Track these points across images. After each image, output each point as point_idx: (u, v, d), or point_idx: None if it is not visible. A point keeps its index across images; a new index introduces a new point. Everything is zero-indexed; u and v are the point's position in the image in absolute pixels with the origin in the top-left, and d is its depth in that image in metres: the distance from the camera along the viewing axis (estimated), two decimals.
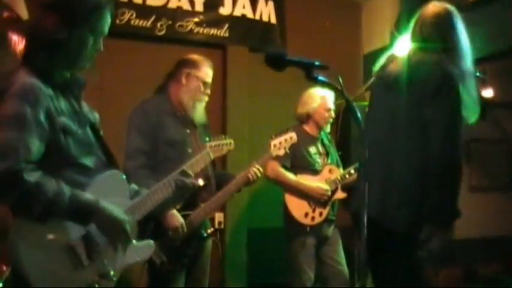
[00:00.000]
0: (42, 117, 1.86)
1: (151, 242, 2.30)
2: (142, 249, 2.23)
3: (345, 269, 4.14)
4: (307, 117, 4.21)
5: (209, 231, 3.30)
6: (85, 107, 2.15)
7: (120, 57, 4.44)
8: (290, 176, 4.06)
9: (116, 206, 2.04)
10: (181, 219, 3.05)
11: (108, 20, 2.07)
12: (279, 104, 5.08)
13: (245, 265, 4.91)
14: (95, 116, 2.21)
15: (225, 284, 4.62)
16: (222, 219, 3.77)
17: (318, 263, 4.09)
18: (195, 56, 3.37)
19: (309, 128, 4.22)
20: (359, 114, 2.00)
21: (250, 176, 3.29)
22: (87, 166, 2.03)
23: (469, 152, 6.15)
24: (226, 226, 4.71)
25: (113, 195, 2.09)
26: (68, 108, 2.01)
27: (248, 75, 5.08)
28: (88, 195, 1.94)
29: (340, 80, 2.18)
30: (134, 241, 2.15)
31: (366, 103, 5.00)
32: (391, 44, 5.21)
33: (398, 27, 5.20)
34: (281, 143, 3.38)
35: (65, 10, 1.94)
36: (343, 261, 4.16)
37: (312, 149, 4.16)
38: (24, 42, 1.98)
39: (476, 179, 6.30)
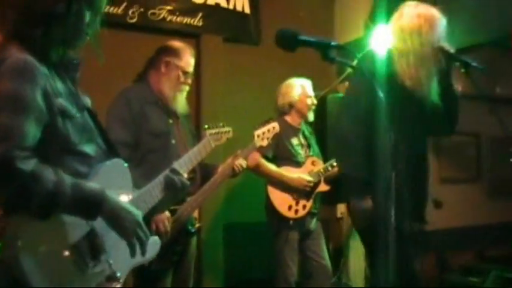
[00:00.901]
0: (39, 98, 1.65)
1: (157, 238, 2.11)
2: (148, 246, 1.96)
3: (328, 263, 4.09)
4: (290, 107, 4.14)
5: (196, 226, 3.15)
6: (79, 90, 1.95)
7: (89, 45, 4.20)
8: (271, 166, 3.97)
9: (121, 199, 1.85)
10: (166, 214, 2.88)
11: None
12: (255, 95, 5.01)
13: (222, 261, 4.78)
14: (88, 101, 2.01)
15: (202, 282, 4.47)
16: (197, 215, 3.62)
17: (301, 257, 4.01)
18: (175, 43, 3.19)
19: (290, 119, 4.16)
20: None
21: (235, 168, 3.16)
22: (88, 154, 1.83)
23: (439, 144, 6.18)
24: (202, 221, 4.56)
25: (116, 186, 1.89)
26: (65, 90, 1.81)
27: (223, 66, 4.95)
28: (92, 184, 1.73)
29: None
30: None
31: (341, 95, 4.96)
32: (365, 35, 5.17)
33: (373, 18, 5.16)
34: (264, 134, 3.32)
35: None
36: (326, 255, 4.10)
37: (294, 141, 4.10)
38: (12, 14, 1.75)
39: (445, 170, 6.34)
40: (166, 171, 2.52)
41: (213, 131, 3.03)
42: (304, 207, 3.98)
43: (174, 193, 2.52)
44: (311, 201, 4.01)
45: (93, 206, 1.70)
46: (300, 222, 3.96)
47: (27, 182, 1.55)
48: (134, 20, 4.53)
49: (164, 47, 3.17)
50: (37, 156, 1.62)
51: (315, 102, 4.21)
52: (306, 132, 4.25)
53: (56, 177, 1.62)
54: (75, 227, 1.72)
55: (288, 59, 5.12)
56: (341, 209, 5.28)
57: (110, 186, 1.80)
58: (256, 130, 3.32)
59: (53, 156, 1.71)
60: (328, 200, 4.38)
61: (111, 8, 4.40)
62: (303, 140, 4.18)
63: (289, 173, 3.97)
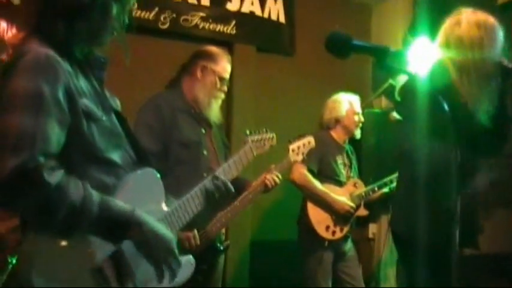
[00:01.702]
0: (61, 97, 1.46)
1: (191, 258, 1.89)
2: (181, 268, 1.73)
3: (362, 284, 3.95)
4: (335, 123, 4.02)
5: (225, 244, 2.96)
6: (106, 91, 1.77)
7: (119, 51, 4.08)
8: (318, 184, 3.82)
9: (152, 216, 1.63)
10: (193, 230, 2.67)
11: None
12: (287, 108, 4.85)
13: (247, 280, 4.59)
14: (117, 103, 1.82)
15: None
16: (224, 231, 3.44)
17: (334, 279, 3.84)
18: (212, 48, 3.04)
19: (336, 135, 4.03)
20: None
21: (268, 183, 2.97)
22: (115, 162, 1.63)
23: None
24: (228, 238, 4.38)
25: (147, 199, 1.70)
26: (90, 90, 1.62)
27: (255, 76, 4.79)
28: (122, 203, 1.53)
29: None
30: None
31: (376, 110, 4.76)
32: (404, 49, 4.97)
33: (412, 31, 4.96)
34: (299, 148, 3.15)
35: None
36: (360, 277, 3.95)
37: (339, 159, 3.98)
38: (34, 7, 1.58)
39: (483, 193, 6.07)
40: (208, 179, 2.38)
41: (256, 137, 2.83)
42: (341, 230, 3.85)
43: (217, 201, 2.37)
44: (349, 224, 3.89)
45: (121, 228, 1.50)
46: (335, 244, 3.82)
47: (52, 196, 1.36)
48: (166, 26, 4.40)
49: (200, 51, 3.02)
50: (62, 166, 1.44)
51: (362, 119, 4.08)
52: (349, 152, 4.13)
53: (84, 192, 1.43)
54: (100, 246, 1.51)
55: (322, 72, 5.00)
56: (372, 229, 5.05)
57: (139, 199, 1.61)
58: (291, 144, 3.15)
59: (76, 165, 1.52)
60: (358, 220, 4.22)
61: (143, 13, 4.28)
62: (346, 160, 4.06)
63: (334, 193, 3.84)
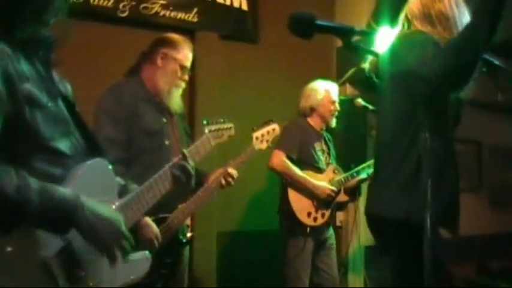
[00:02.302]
0: None
1: (148, 254, 1.80)
2: (137, 264, 1.68)
3: (337, 275, 3.98)
4: (311, 111, 4.02)
5: (188, 235, 2.88)
6: (55, 75, 1.64)
7: (77, 39, 3.93)
8: (298, 170, 3.79)
9: (105, 205, 1.54)
10: (155, 230, 2.54)
11: None
12: (252, 95, 4.79)
13: (215, 272, 4.50)
14: (67, 87, 1.71)
15: None
16: (189, 223, 3.36)
17: (312, 267, 3.83)
18: (174, 36, 2.95)
19: (313, 122, 4.02)
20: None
21: (224, 181, 2.93)
22: (62, 152, 1.51)
23: None
24: (194, 230, 4.30)
25: (98, 192, 1.59)
26: (33, 74, 1.50)
27: (219, 64, 4.68)
28: (64, 190, 1.42)
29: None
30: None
31: (341, 97, 4.73)
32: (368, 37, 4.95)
33: (376, 19, 4.94)
34: (263, 136, 3.12)
35: None
36: (335, 265, 3.98)
37: (318, 146, 3.96)
38: None
39: None
40: (175, 161, 2.33)
41: (213, 127, 2.76)
42: (323, 215, 3.85)
43: (187, 182, 2.32)
44: (330, 210, 3.89)
45: (64, 217, 1.39)
46: (317, 231, 3.82)
47: None
48: (125, 14, 4.26)
49: (161, 39, 2.93)
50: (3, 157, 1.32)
51: (338, 108, 4.06)
52: (326, 138, 4.13)
53: (19, 181, 1.31)
54: (46, 241, 1.39)
55: (286, 59, 4.94)
56: (339, 217, 5.04)
57: (90, 191, 1.51)
58: (255, 132, 3.12)
59: (19, 156, 1.40)
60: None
61: (101, 1, 4.14)
62: (324, 146, 4.05)
63: (315, 179, 3.82)
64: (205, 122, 2.77)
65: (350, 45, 1.65)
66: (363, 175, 3.96)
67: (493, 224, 6.34)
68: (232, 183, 2.95)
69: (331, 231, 3.97)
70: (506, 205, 6.63)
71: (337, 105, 4.04)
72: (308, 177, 3.80)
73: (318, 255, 3.86)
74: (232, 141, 2.96)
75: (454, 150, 2.40)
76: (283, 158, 3.76)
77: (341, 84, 4.84)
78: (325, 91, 4.00)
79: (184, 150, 2.42)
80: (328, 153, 4.07)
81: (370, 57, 3.47)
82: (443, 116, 2.28)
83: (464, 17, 2.38)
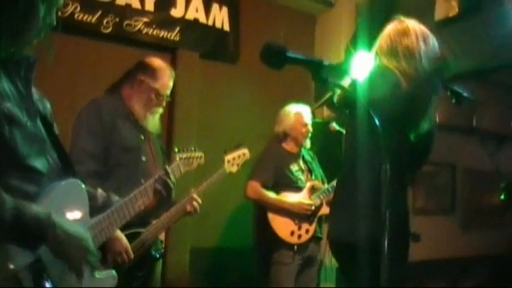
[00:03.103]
0: None
1: (114, 272, 1.86)
2: (103, 281, 1.74)
3: None
4: (285, 135, 4.09)
5: (161, 251, 2.93)
6: (34, 93, 1.69)
7: (60, 54, 3.98)
8: (271, 194, 3.89)
9: (75, 224, 1.60)
10: (125, 244, 2.52)
11: None
12: (230, 115, 4.86)
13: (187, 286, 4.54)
14: (46, 106, 1.75)
15: None
16: (163, 238, 3.42)
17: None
18: (154, 62, 2.95)
19: (288, 146, 4.10)
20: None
21: (190, 208, 2.93)
22: (38, 169, 1.56)
23: (414, 175, 6.09)
24: (168, 245, 4.35)
25: (71, 210, 1.64)
26: (14, 93, 1.55)
27: (199, 83, 4.78)
28: (37, 208, 1.47)
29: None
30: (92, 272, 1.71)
31: (318, 120, 4.84)
32: (346, 61, 5.07)
33: (354, 43, 5.06)
34: (234, 159, 3.22)
35: None
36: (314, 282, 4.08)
37: (294, 167, 4.03)
38: None
39: (420, 201, 6.25)
40: (157, 177, 2.44)
41: (184, 155, 2.84)
42: (307, 231, 3.91)
43: (165, 198, 2.42)
44: (314, 225, 3.95)
45: (35, 234, 1.45)
46: (304, 248, 3.89)
47: None
48: (109, 30, 4.34)
49: (141, 64, 2.94)
50: None
51: (310, 130, 4.13)
52: (307, 157, 4.19)
53: None
54: (17, 254, 1.44)
55: (265, 80, 5.03)
56: None
57: (62, 210, 1.57)
58: (227, 155, 3.21)
59: None
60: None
61: (85, 16, 4.21)
62: (303, 165, 4.12)
63: (293, 198, 3.90)
64: (176, 150, 2.84)
65: (318, 77, 1.73)
66: None
67: (465, 247, 6.45)
68: (198, 209, 2.96)
69: (318, 248, 4.03)
70: (478, 228, 6.75)
71: (309, 127, 4.11)
72: (283, 198, 3.88)
73: (304, 273, 3.94)
74: (209, 158, 3.05)
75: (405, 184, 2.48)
76: (255, 186, 3.87)
77: (318, 107, 4.96)
78: (296, 115, 4.08)
79: (167, 167, 2.53)
80: (310, 171, 4.13)
81: (337, 90, 3.56)
82: (400, 150, 2.34)
83: (433, 52, 2.48)
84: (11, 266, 1.42)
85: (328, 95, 4.80)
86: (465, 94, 2.54)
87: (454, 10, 4.34)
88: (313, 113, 5.04)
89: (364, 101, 2.03)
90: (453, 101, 2.51)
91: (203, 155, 2.96)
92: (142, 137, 2.90)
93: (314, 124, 4.65)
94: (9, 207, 1.39)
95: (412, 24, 2.51)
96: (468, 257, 6.33)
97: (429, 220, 6.17)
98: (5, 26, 1.51)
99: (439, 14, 4.42)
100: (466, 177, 6.94)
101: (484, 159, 6.52)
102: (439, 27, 4.27)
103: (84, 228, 1.68)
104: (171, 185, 2.47)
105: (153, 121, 2.94)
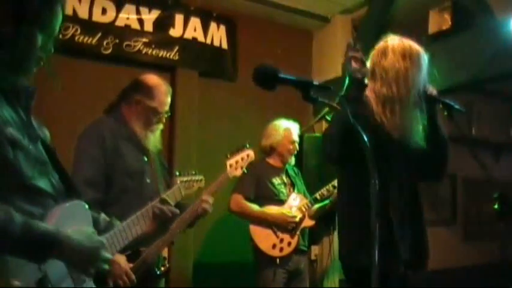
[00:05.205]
0: None
1: None
2: None
3: None
4: (271, 150, 4.10)
5: (163, 268, 2.95)
6: (34, 122, 1.74)
7: (61, 75, 4.03)
8: (253, 206, 3.91)
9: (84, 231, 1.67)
10: (124, 267, 2.56)
11: (59, 18, 1.70)
12: (229, 132, 4.90)
13: None
14: (45, 133, 1.80)
15: None
16: (166, 255, 3.45)
17: None
18: (150, 80, 2.92)
19: (272, 161, 4.12)
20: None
21: (201, 209, 2.93)
22: (42, 190, 1.61)
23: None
24: (171, 261, 4.38)
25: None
26: (15, 119, 1.61)
27: (198, 100, 4.86)
28: (46, 225, 1.53)
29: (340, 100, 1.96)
30: None
31: (317, 135, 4.89)
32: (343, 76, 5.13)
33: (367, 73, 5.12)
34: (237, 162, 3.13)
35: (11, 2, 1.57)
36: None
37: (276, 180, 4.04)
38: None
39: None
40: (155, 202, 2.42)
41: (184, 178, 2.84)
42: (289, 244, 3.90)
43: (163, 224, 2.43)
44: (296, 237, 3.94)
45: (44, 249, 1.50)
46: (288, 262, 3.88)
47: None
48: (109, 51, 4.44)
49: (136, 83, 2.91)
50: None
51: (297, 148, 4.15)
52: (290, 172, 4.20)
53: (5, 215, 1.43)
54: (24, 272, 1.49)
55: (263, 97, 5.07)
56: (315, 251, 5.15)
57: (68, 231, 1.59)
58: (229, 159, 3.12)
59: (1, 194, 1.50)
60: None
61: (85, 38, 4.31)
62: (286, 179, 4.12)
63: (275, 210, 3.91)
64: (177, 174, 2.85)
65: (308, 97, 1.80)
66: (325, 201, 4.06)
67: (466, 257, 6.46)
68: (209, 209, 2.94)
69: (304, 262, 4.04)
70: (479, 238, 6.76)
71: (296, 145, 4.12)
72: (266, 211, 3.90)
73: (291, 284, 3.94)
74: (209, 175, 3.05)
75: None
76: (239, 200, 3.89)
77: (316, 122, 5.02)
78: (285, 131, 4.09)
79: (164, 195, 2.53)
80: (292, 185, 4.13)
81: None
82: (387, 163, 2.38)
83: (416, 68, 2.50)
84: (18, 283, 1.47)
85: (325, 110, 4.87)
86: (457, 106, 2.55)
87: (447, 23, 4.40)
88: (312, 127, 5.12)
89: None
90: (445, 113, 2.54)
91: (203, 178, 2.96)
92: (146, 159, 2.89)
93: (314, 139, 4.71)
94: (18, 222, 1.45)
95: (393, 43, 2.53)
96: (470, 267, 6.33)
97: (430, 231, 6.18)
98: (6, 59, 1.58)
99: (433, 27, 4.48)
100: (467, 187, 6.96)
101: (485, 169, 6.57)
102: (433, 40, 4.34)
103: (96, 236, 1.73)
104: (168, 213, 2.43)
105: (154, 139, 2.93)
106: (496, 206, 3.98)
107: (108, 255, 1.70)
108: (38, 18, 1.62)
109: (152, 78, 2.95)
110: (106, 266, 1.69)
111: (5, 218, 1.44)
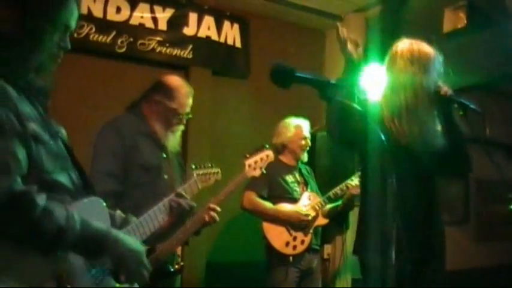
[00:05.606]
0: (16, 121, 1.50)
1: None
2: None
3: None
4: (283, 147, 4.08)
5: (177, 266, 2.95)
6: (52, 120, 1.77)
7: (76, 74, 4.11)
8: (267, 204, 3.90)
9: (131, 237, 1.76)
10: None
11: (75, 14, 1.70)
12: (243, 130, 4.91)
13: None
14: (63, 132, 1.82)
15: None
16: (179, 253, 3.45)
17: None
18: (171, 82, 2.94)
19: (285, 158, 4.10)
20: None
21: (206, 218, 2.89)
22: (63, 185, 1.64)
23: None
24: (184, 259, 4.39)
25: None
26: (36, 115, 1.63)
27: (211, 99, 4.87)
28: (98, 223, 1.62)
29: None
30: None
31: None
32: (346, 79, 5.11)
33: (365, 56, 5.11)
34: (256, 163, 3.10)
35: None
36: None
37: (289, 178, 4.03)
38: None
39: None
40: (171, 196, 2.46)
41: (201, 171, 2.84)
42: (302, 242, 3.89)
43: (180, 217, 2.47)
44: (309, 235, 3.93)
45: (98, 246, 1.59)
46: (301, 260, 3.88)
47: (41, 217, 1.44)
48: (123, 50, 4.46)
49: (157, 85, 2.94)
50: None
51: (309, 143, 4.14)
52: (303, 171, 4.19)
53: (67, 212, 1.51)
54: (41, 266, 1.51)
55: (277, 95, 5.08)
56: (327, 250, 5.15)
57: None
58: (248, 159, 3.08)
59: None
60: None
61: (100, 37, 4.33)
62: (299, 178, 4.11)
63: (285, 208, 3.91)
64: (193, 167, 2.84)
65: (324, 96, 1.79)
66: (338, 201, 4.05)
67: (478, 258, 6.42)
68: (217, 218, 2.92)
69: (317, 258, 4.04)
70: (492, 239, 6.72)
71: (308, 141, 4.11)
72: (279, 208, 3.90)
73: (305, 284, 3.93)
74: (223, 174, 3.00)
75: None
76: (252, 197, 3.87)
77: None
78: (295, 128, 4.08)
79: (179, 189, 2.56)
80: (305, 184, 4.12)
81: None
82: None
83: (423, 74, 2.50)
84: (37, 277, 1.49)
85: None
86: (472, 106, 2.55)
87: (463, 22, 4.37)
88: (324, 126, 5.11)
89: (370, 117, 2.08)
90: (460, 113, 2.54)
91: (220, 170, 2.94)
92: (164, 155, 2.90)
93: (325, 138, 4.70)
94: (78, 220, 1.53)
95: (402, 48, 2.56)
96: (483, 268, 6.29)
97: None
98: (20, 54, 1.59)
99: (447, 26, 4.45)
100: (479, 187, 6.92)
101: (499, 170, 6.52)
102: (447, 39, 4.31)
103: (140, 242, 1.81)
104: (185, 206, 2.48)
105: (174, 139, 2.95)
106: (511, 207, 3.94)
107: (147, 263, 1.76)
108: (46, 13, 1.62)
109: (174, 80, 2.98)
110: (145, 273, 1.74)
111: (67, 214, 1.51)
